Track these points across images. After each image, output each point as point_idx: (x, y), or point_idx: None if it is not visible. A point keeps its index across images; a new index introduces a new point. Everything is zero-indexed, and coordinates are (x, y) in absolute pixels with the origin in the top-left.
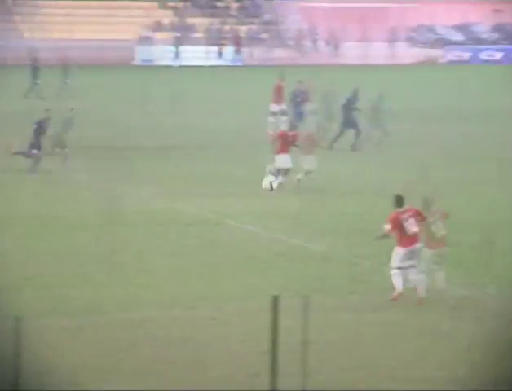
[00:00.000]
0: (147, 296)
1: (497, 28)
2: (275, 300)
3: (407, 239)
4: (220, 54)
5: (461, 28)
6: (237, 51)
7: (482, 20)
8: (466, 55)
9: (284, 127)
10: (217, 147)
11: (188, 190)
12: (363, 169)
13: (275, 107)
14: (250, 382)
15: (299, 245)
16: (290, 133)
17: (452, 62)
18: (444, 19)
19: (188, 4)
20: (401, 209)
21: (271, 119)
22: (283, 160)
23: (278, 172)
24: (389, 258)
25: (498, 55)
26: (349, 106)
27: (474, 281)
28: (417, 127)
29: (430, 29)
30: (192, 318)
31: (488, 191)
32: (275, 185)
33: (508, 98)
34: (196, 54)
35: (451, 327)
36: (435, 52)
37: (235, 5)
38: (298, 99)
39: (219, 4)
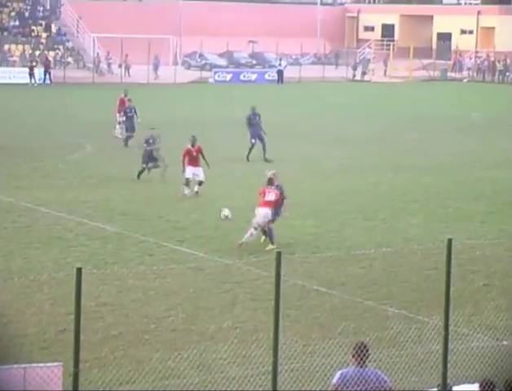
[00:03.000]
0: None
1: (253, 55)
2: (79, 272)
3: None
4: (32, 74)
5: (225, 55)
6: (46, 72)
7: (241, 49)
8: (228, 76)
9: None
10: None
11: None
12: None
13: (119, 117)
14: (58, 337)
15: (98, 227)
16: (194, 148)
17: (217, 81)
18: (212, 48)
19: (5, 34)
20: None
21: (118, 125)
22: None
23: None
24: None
25: (253, 77)
26: (250, 122)
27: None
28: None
29: (201, 56)
30: (8, 287)
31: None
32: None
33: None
34: (12, 74)
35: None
36: (205, 74)
37: (44, 34)
38: (130, 114)
39: (32, 34)
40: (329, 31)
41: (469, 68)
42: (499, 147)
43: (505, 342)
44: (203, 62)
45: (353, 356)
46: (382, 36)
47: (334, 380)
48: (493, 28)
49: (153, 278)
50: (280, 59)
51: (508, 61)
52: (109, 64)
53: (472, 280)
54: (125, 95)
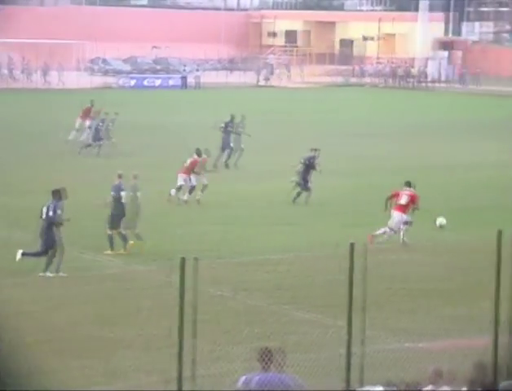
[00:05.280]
0: None
1: (156, 61)
2: None
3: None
4: None
5: (129, 60)
6: None
7: (145, 55)
8: (132, 82)
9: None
10: None
11: None
12: None
13: (78, 123)
14: None
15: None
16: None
17: (121, 87)
18: (115, 54)
19: None
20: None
21: (74, 132)
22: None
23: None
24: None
25: (157, 82)
26: (226, 129)
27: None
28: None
29: (104, 61)
30: None
31: None
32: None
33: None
34: None
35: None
36: (109, 79)
37: None
38: (100, 126)
39: None
40: (233, 37)
41: (370, 74)
42: (410, 152)
43: (407, 344)
44: (106, 67)
45: (258, 360)
46: (286, 42)
47: (239, 385)
48: (394, 34)
49: (58, 286)
50: (184, 65)
51: (409, 67)
52: (11, 70)
53: (376, 284)
54: (92, 106)
